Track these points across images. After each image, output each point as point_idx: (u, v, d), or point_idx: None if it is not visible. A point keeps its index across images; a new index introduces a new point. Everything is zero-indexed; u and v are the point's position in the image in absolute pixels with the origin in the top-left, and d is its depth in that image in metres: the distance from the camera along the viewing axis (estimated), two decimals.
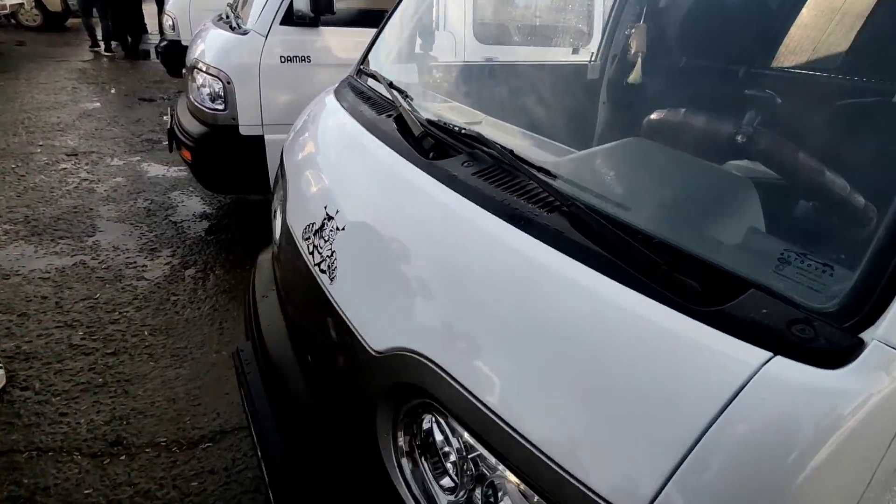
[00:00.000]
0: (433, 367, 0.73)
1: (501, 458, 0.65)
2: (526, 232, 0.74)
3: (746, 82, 1.26)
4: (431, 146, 1.01)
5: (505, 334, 0.68)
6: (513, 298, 0.70)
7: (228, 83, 2.77)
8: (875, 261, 0.53)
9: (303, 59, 2.86)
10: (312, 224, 1.11)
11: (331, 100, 1.46)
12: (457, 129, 1.01)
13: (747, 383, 0.52)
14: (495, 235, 0.76)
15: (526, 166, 0.84)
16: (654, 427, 0.55)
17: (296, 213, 1.21)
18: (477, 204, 0.82)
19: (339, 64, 2.98)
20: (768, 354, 0.53)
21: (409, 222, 0.90)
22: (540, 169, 0.84)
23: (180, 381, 2.26)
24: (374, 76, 1.40)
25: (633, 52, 1.35)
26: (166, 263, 3.12)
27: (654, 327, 0.59)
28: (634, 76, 1.28)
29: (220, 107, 2.85)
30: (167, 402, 2.15)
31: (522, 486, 0.65)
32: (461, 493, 0.74)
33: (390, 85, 1.30)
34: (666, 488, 0.52)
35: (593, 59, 2.08)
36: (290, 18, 2.79)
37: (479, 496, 0.72)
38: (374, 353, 0.84)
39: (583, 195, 0.77)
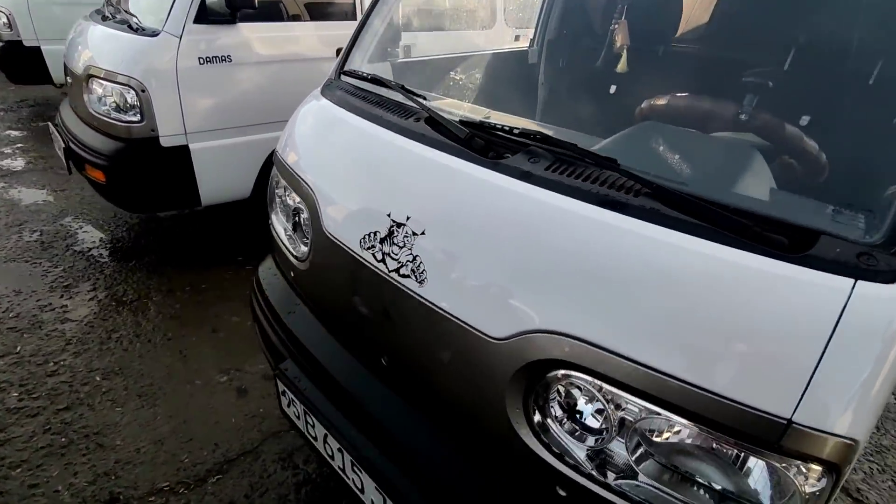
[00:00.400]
0: (570, 339, 0.84)
1: (649, 398, 0.79)
2: (624, 213, 0.87)
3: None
4: (481, 146, 1.10)
5: (631, 300, 0.82)
6: (629, 271, 0.83)
7: (143, 91, 2.51)
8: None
9: (223, 59, 2.67)
10: (375, 233, 1.14)
11: (329, 105, 1.45)
12: (506, 128, 1.10)
13: (847, 303, 0.71)
14: (595, 220, 0.89)
15: (592, 157, 0.97)
16: (784, 346, 0.72)
17: (343, 224, 1.22)
18: (566, 195, 0.93)
19: (263, 62, 2.84)
20: (851, 281, 0.73)
21: (496, 219, 0.98)
22: (606, 158, 0.98)
23: (160, 420, 2.09)
24: (378, 80, 1.43)
25: (618, 44, 1.53)
26: (90, 299, 2.79)
27: (764, 274, 0.76)
28: (622, 66, 1.47)
29: (135, 118, 2.57)
30: (153, 444, 1.99)
31: (656, 424, 0.80)
32: (600, 442, 0.87)
33: (403, 88, 1.34)
34: (804, 396, 0.69)
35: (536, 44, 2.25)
36: (205, 16, 2.59)
37: (616, 442, 0.86)
38: (496, 341, 0.93)
39: (655, 177, 0.92)
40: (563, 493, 0.91)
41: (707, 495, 0.81)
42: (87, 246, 3.30)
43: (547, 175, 0.98)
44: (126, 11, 2.81)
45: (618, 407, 0.85)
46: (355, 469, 1.17)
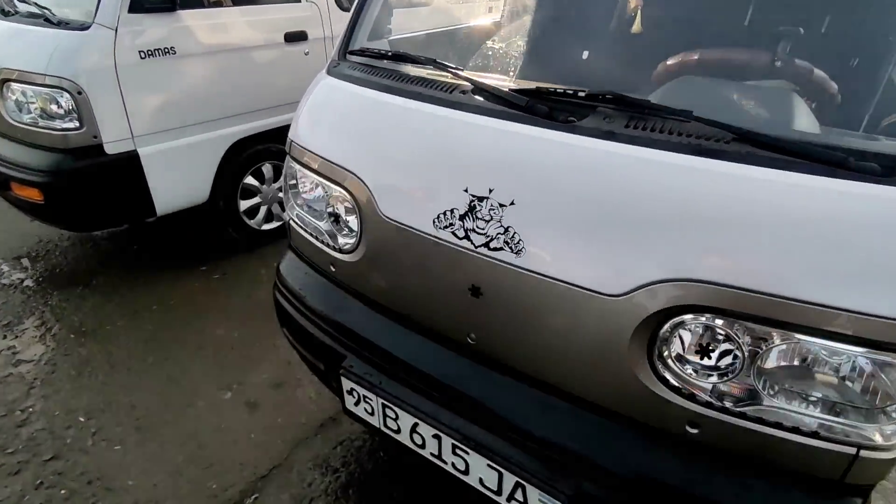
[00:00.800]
0: (695, 283, 0.88)
1: (788, 326, 0.85)
2: (720, 159, 0.92)
3: None
4: (545, 111, 1.10)
5: (751, 238, 0.87)
6: (741, 212, 0.88)
7: (79, 94, 2.21)
8: None
9: (167, 51, 2.42)
10: (452, 210, 1.10)
11: (352, 87, 1.36)
12: (568, 92, 1.11)
13: None
14: (694, 168, 0.93)
15: (667, 110, 1.01)
16: None
17: (408, 207, 1.17)
18: (656, 148, 0.96)
19: (211, 52, 2.61)
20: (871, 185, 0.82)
21: (590, 179, 0.99)
22: (682, 111, 1.02)
23: (170, 450, 1.92)
24: (405, 57, 1.37)
25: (632, 6, 1.57)
26: (42, 335, 2.47)
27: (874, 199, 0.83)
28: (636, 27, 1.51)
29: (73, 125, 2.27)
30: (171, 476, 1.83)
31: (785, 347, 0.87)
32: (726, 375, 0.93)
33: (436, 62, 1.31)
34: None
35: None
36: (140, 4, 2.31)
37: (742, 373, 0.92)
38: (613, 298, 0.95)
39: (740, 125, 0.97)
40: (693, 431, 0.96)
41: (819, 410, 0.89)
42: (17, 277, 2.89)
43: (630, 132, 1.01)
44: (35, 4, 2.45)
45: (748, 339, 0.90)
46: (458, 451, 1.16)
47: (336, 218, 1.36)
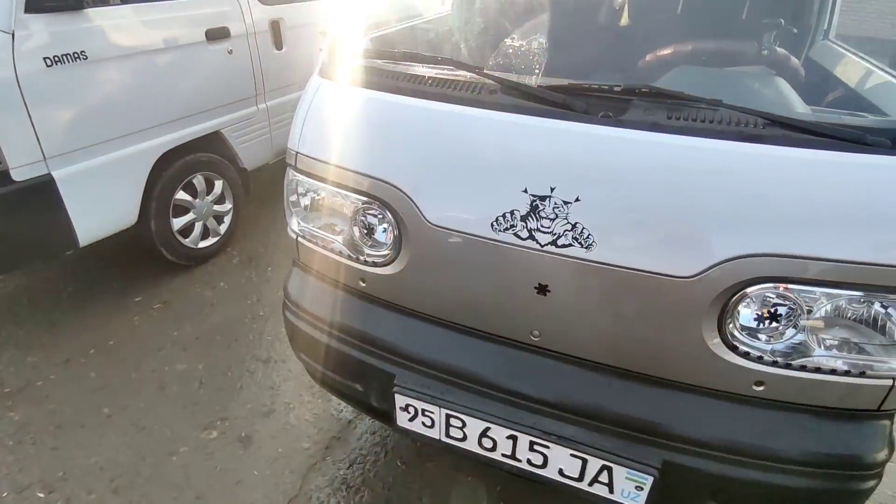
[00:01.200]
0: (763, 257, 0.98)
1: (835, 284, 0.98)
2: (762, 143, 1.02)
3: None
4: (584, 107, 1.13)
5: (805, 211, 0.98)
6: (790, 188, 0.99)
7: None
8: None
9: (77, 56, 2.07)
10: (512, 212, 1.10)
11: (365, 92, 1.29)
12: (605, 87, 1.16)
13: None
14: (741, 152, 1.02)
15: (699, 101, 1.09)
16: None
17: (460, 213, 1.14)
18: (705, 137, 1.04)
19: (127, 55, 2.28)
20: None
21: (648, 169, 1.04)
22: (712, 100, 1.11)
23: None
24: (412, 56, 1.32)
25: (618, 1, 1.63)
26: None
27: (867, 161, 0.97)
28: (624, 20, 1.58)
29: None
30: None
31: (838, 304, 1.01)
32: (789, 335, 1.04)
33: (454, 62, 1.28)
34: None
35: None
36: (38, 3, 1.95)
37: (800, 330, 1.04)
38: (686, 279, 1.02)
39: (766, 110, 1.07)
40: (759, 389, 1.08)
41: (862, 353, 1.04)
42: None
43: (673, 123, 1.08)
44: None
45: (802, 301, 1.02)
46: (536, 447, 1.18)
47: (369, 230, 1.29)
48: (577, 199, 1.07)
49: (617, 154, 1.08)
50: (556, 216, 1.08)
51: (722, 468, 1.10)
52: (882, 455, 1.08)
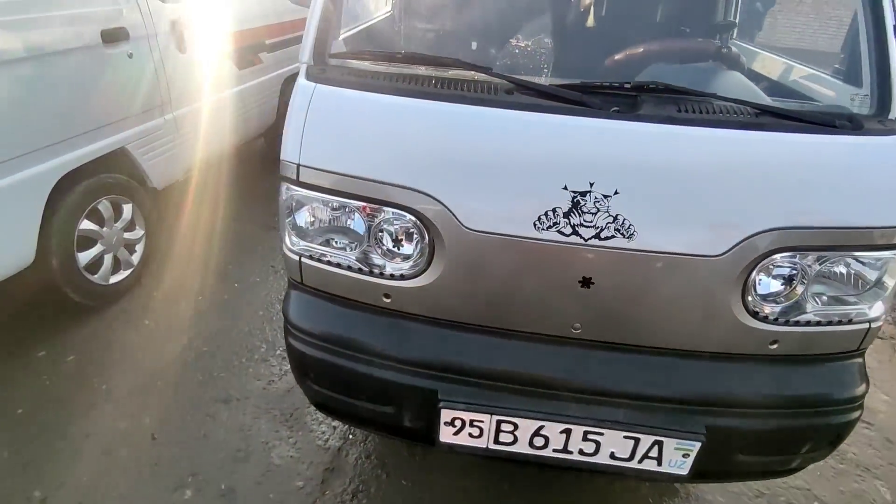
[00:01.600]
0: (779, 231, 1.10)
1: (831, 248, 1.15)
2: (764, 131, 1.15)
3: None
4: (602, 103, 1.19)
5: (810, 188, 1.12)
6: (796, 169, 1.12)
7: None
8: (880, 83, 1.26)
9: None
10: (555, 209, 1.10)
11: (360, 94, 1.19)
12: (616, 84, 1.22)
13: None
14: (747, 139, 1.14)
15: (696, 94, 1.21)
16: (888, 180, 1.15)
17: (500, 216, 1.11)
18: (712, 127, 1.14)
19: (11, 61, 1.88)
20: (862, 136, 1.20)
21: (674, 159, 1.12)
22: (710, 94, 1.22)
23: None
24: (413, 57, 1.26)
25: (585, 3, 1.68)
26: None
27: (860, 143, 1.16)
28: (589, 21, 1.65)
29: None
30: None
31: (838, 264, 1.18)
32: (795, 297, 1.19)
33: (460, 62, 1.26)
34: None
35: None
36: None
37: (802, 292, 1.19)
38: (716, 257, 1.11)
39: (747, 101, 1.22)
40: (773, 346, 1.22)
41: (848, 305, 1.23)
42: None
43: (685, 115, 1.18)
44: None
45: (806, 265, 1.17)
46: (589, 437, 1.21)
47: (396, 242, 1.22)
48: (615, 193, 1.11)
49: (635, 147, 1.14)
50: (598, 210, 1.12)
51: (751, 422, 1.23)
52: (863, 388, 1.28)
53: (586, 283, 1.16)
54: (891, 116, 1.24)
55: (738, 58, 1.59)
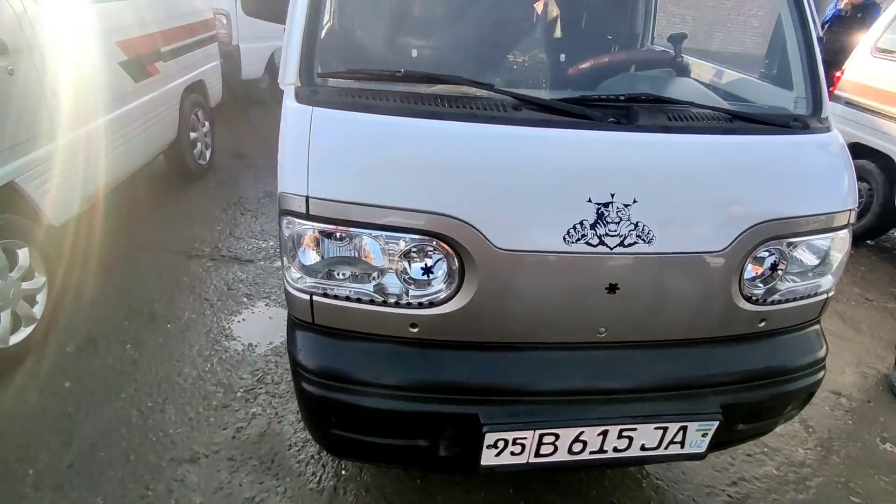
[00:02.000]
0: (770, 222, 1.23)
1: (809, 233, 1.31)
2: (736, 134, 1.28)
3: None
4: (603, 116, 1.25)
5: (787, 183, 1.27)
6: (762, 164, 1.26)
7: None
8: (813, 87, 1.47)
9: None
10: (582, 222, 1.12)
11: (366, 117, 1.11)
12: (618, 96, 1.29)
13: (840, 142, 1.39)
14: (730, 143, 1.27)
15: (672, 102, 1.32)
16: (825, 173, 1.35)
17: (530, 233, 1.10)
18: (701, 133, 1.25)
19: None
20: (834, 133, 1.40)
21: (677, 165, 1.19)
22: (688, 102, 1.33)
23: None
24: (413, 76, 1.21)
25: (552, 15, 1.69)
26: None
27: (809, 140, 1.34)
28: (557, 33, 1.67)
29: None
30: None
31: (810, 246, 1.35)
32: (775, 278, 1.34)
33: (466, 80, 1.24)
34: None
35: None
36: None
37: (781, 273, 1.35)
38: (720, 251, 1.21)
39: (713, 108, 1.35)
40: (761, 324, 1.37)
41: (810, 279, 1.41)
42: None
43: (677, 124, 1.28)
44: None
45: (784, 250, 1.33)
46: (624, 434, 1.26)
47: (427, 270, 1.16)
48: (634, 201, 1.17)
49: (642, 156, 1.22)
50: (621, 219, 1.17)
51: (752, 394, 1.37)
52: (825, 350, 1.48)
53: (612, 288, 1.21)
54: (823, 115, 1.45)
55: (689, 66, 1.76)
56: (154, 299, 2.62)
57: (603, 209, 1.16)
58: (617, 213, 1.16)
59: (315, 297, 1.21)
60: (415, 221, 1.13)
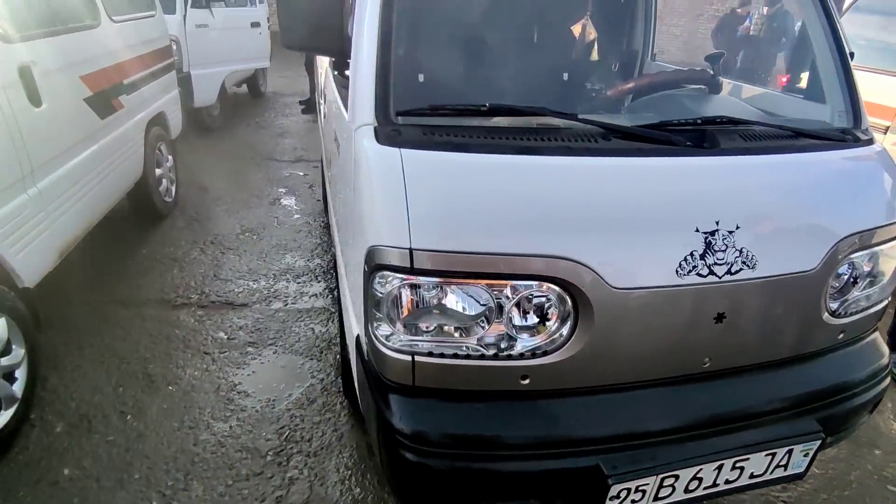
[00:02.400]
0: (857, 234, 1.24)
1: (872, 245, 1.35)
2: (806, 152, 1.30)
3: None
4: (683, 140, 1.22)
5: (859, 197, 1.31)
6: (837, 178, 1.30)
7: None
8: (852, 101, 1.52)
9: None
10: (692, 253, 1.07)
11: (465, 157, 1.03)
12: (695, 120, 1.26)
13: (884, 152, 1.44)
14: (803, 161, 1.28)
15: (752, 123, 1.33)
16: (883, 182, 1.40)
17: (644, 269, 1.05)
18: (771, 154, 1.26)
19: None
20: (877, 146, 1.45)
21: (762, 186, 1.20)
22: (757, 122, 1.34)
23: None
24: (496, 109, 1.13)
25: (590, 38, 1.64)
26: None
27: (864, 153, 1.38)
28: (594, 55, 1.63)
29: None
30: None
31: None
32: (850, 291, 1.36)
33: (568, 115, 1.19)
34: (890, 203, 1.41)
35: None
36: None
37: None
38: (812, 271, 1.21)
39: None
40: (841, 336, 1.38)
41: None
42: None
43: (754, 145, 1.28)
44: None
45: (867, 259, 1.35)
46: (738, 465, 1.23)
47: (542, 318, 1.08)
48: (737, 227, 1.15)
49: (735, 181, 1.21)
50: (727, 246, 1.14)
51: (839, 408, 1.37)
52: (887, 356, 1.52)
53: (720, 318, 1.18)
54: (864, 127, 1.50)
55: (722, 85, 1.78)
56: (147, 359, 2.35)
57: (710, 238, 1.13)
58: (723, 240, 1.13)
59: (417, 357, 1.09)
60: (529, 267, 1.04)
